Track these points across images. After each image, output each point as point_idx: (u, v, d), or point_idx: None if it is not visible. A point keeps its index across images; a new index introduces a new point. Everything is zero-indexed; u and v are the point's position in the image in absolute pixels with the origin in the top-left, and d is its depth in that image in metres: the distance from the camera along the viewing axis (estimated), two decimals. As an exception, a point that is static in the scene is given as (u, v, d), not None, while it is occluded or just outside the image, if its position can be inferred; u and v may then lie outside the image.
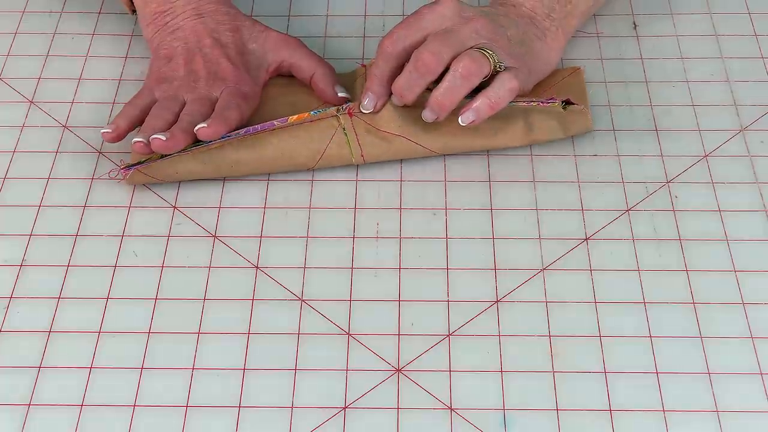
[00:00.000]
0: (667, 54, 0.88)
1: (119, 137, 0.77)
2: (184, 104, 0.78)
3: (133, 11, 0.86)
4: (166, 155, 0.76)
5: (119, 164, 0.78)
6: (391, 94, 0.77)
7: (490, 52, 0.74)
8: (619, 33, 0.90)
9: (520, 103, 0.78)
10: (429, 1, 0.78)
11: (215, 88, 0.79)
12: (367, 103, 0.77)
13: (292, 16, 0.92)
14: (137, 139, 0.75)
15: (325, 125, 0.77)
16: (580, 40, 0.89)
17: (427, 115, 0.75)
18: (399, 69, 0.76)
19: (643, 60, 0.88)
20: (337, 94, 0.81)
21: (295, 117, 0.77)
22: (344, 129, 0.77)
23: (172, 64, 0.80)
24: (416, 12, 0.77)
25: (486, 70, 0.74)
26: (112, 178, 0.78)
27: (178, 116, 0.77)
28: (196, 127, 0.75)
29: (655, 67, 0.87)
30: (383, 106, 0.77)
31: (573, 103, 0.79)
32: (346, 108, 0.77)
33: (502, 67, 0.75)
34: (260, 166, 0.78)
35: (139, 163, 0.77)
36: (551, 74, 0.84)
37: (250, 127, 0.77)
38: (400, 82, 0.75)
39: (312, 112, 0.77)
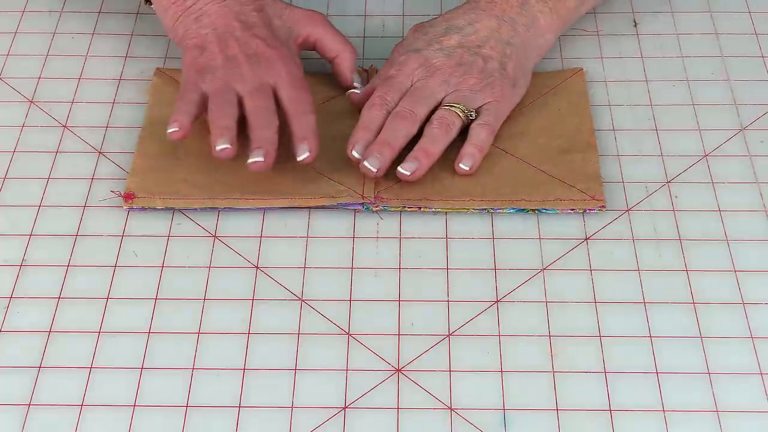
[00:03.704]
0: (668, 53, 0.88)
1: (186, 134, 0.76)
2: (238, 93, 0.77)
3: (147, 0, 0.85)
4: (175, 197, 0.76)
5: (120, 193, 0.77)
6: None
7: (460, 107, 0.77)
8: (620, 31, 0.90)
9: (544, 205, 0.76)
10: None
11: (262, 72, 0.77)
12: (374, 162, 0.75)
13: (292, 16, 0.92)
14: (222, 146, 0.74)
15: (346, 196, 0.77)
16: (579, 38, 0.90)
17: (406, 166, 0.75)
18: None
19: (643, 59, 0.88)
20: (353, 83, 0.83)
21: (314, 202, 0.76)
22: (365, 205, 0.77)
23: (207, 54, 0.78)
24: (387, 76, 0.80)
25: (458, 125, 0.77)
26: (113, 192, 0.78)
27: (240, 106, 0.76)
28: (300, 158, 0.75)
29: (656, 66, 0.87)
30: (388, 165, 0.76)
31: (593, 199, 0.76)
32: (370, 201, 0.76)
33: (473, 116, 0.78)
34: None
35: (144, 207, 0.76)
36: (552, 76, 0.85)
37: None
38: (384, 135, 0.76)
39: (338, 205, 0.76)
